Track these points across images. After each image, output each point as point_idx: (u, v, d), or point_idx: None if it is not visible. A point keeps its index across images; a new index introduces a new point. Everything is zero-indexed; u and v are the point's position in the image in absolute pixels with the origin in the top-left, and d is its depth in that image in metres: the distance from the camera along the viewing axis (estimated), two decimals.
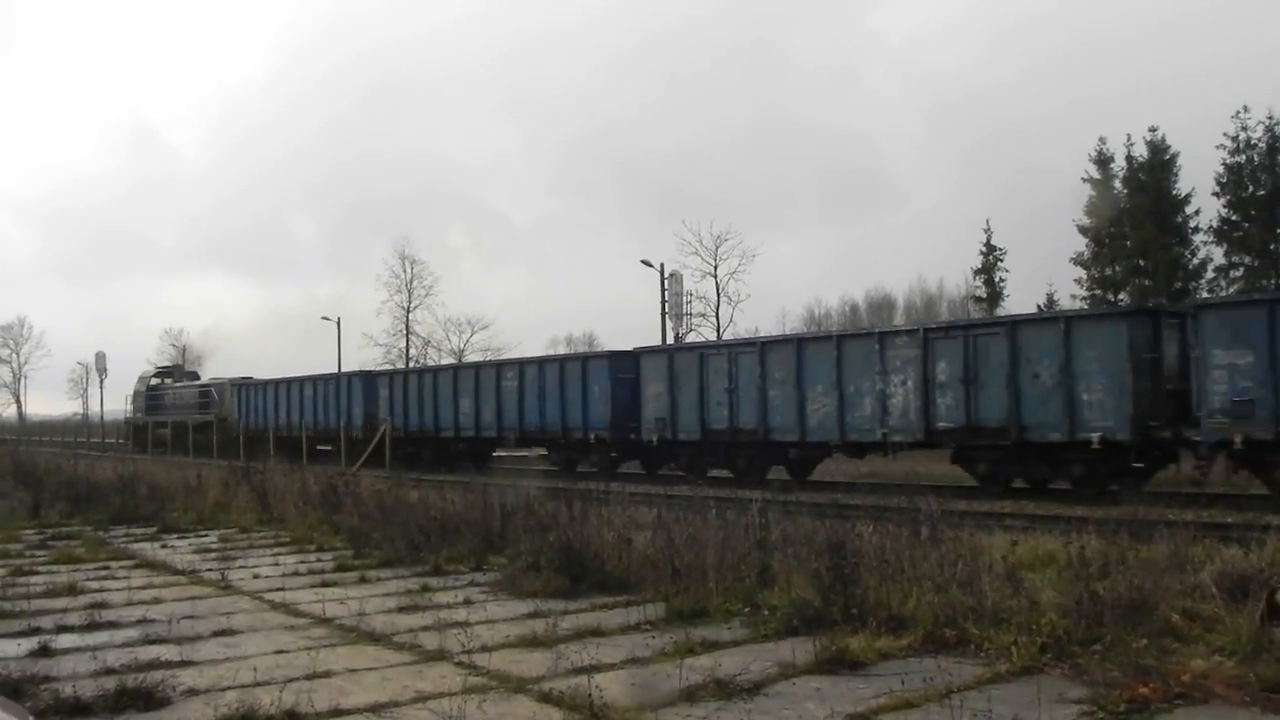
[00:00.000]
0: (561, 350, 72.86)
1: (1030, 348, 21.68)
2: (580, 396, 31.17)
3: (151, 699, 6.80)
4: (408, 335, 76.29)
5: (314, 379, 45.20)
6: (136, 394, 63.16)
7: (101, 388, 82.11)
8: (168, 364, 70.79)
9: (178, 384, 61.17)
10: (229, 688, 7.12)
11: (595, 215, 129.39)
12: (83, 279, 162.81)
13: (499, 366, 36.17)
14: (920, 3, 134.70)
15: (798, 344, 26.60)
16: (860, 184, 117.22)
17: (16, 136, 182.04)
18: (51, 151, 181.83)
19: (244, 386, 51.77)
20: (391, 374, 40.40)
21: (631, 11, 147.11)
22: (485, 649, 8.21)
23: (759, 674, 7.20)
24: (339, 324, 67.93)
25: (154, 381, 62.82)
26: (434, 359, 72.27)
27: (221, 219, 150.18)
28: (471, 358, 68.33)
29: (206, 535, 16.62)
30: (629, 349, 31.79)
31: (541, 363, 34.17)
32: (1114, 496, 18.04)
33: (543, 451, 35.19)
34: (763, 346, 27.18)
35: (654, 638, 8.54)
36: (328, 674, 7.51)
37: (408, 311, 76.03)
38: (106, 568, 13.23)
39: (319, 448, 41.40)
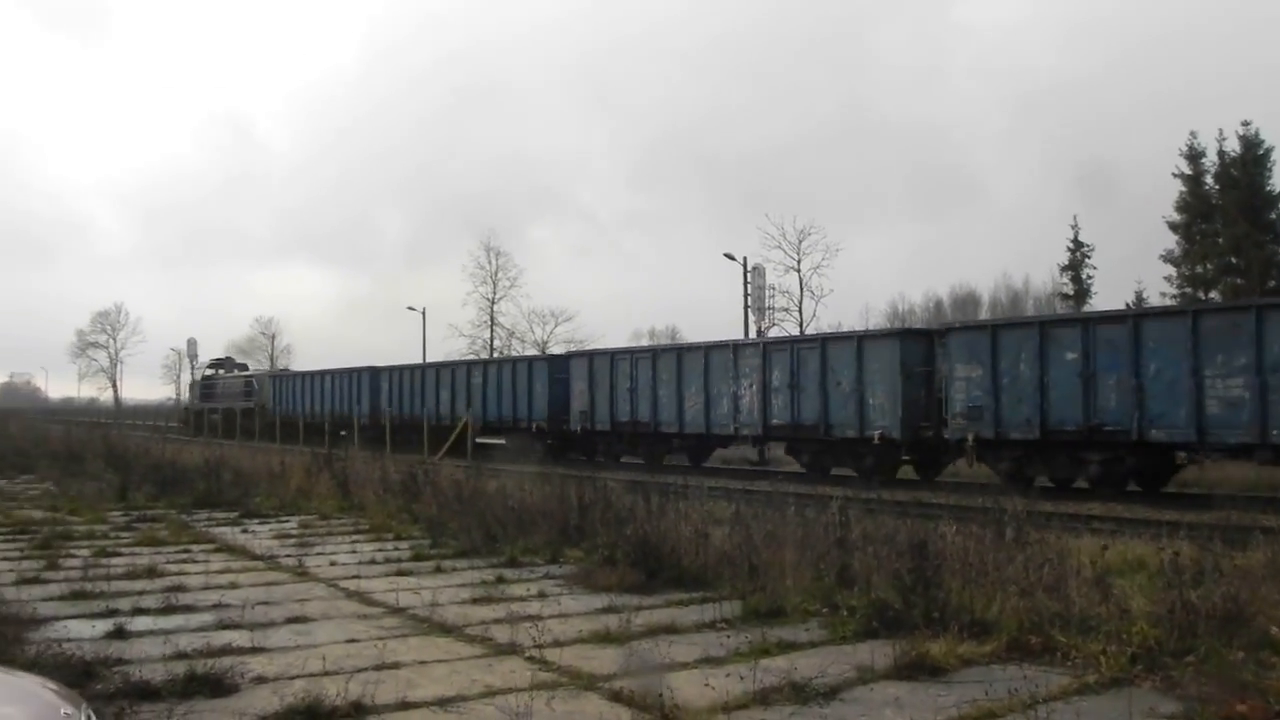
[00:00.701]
0: (645, 343, 72.86)
1: (835, 360, 26.10)
2: (527, 392, 36.49)
3: (220, 685, 6.77)
4: (492, 326, 76.90)
5: (333, 372, 50.62)
6: (193, 383, 69.94)
7: (192, 373, 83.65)
8: (220, 356, 74.10)
9: (227, 375, 65.86)
10: (297, 676, 7.07)
11: (679, 209, 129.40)
12: (178, 268, 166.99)
13: (469, 365, 42.19)
14: None
15: (678, 352, 31.81)
16: (945, 179, 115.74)
17: (118, 131, 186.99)
18: (151, 146, 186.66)
19: (279, 378, 58.77)
20: (390, 370, 46.10)
21: (714, 7, 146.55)
22: (557, 644, 8.08)
23: (836, 678, 6.96)
24: (424, 315, 68.62)
25: (208, 372, 67.78)
26: (517, 350, 72.71)
27: (311, 212, 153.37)
28: (554, 349, 68.68)
29: (287, 521, 16.74)
30: (563, 353, 38.72)
31: (500, 363, 40.57)
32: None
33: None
34: (655, 353, 32.95)
35: (729, 636, 8.35)
36: (396, 665, 7.43)
37: (492, 303, 76.63)
38: (187, 551, 13.36)
39: (340, 434, 44.55)
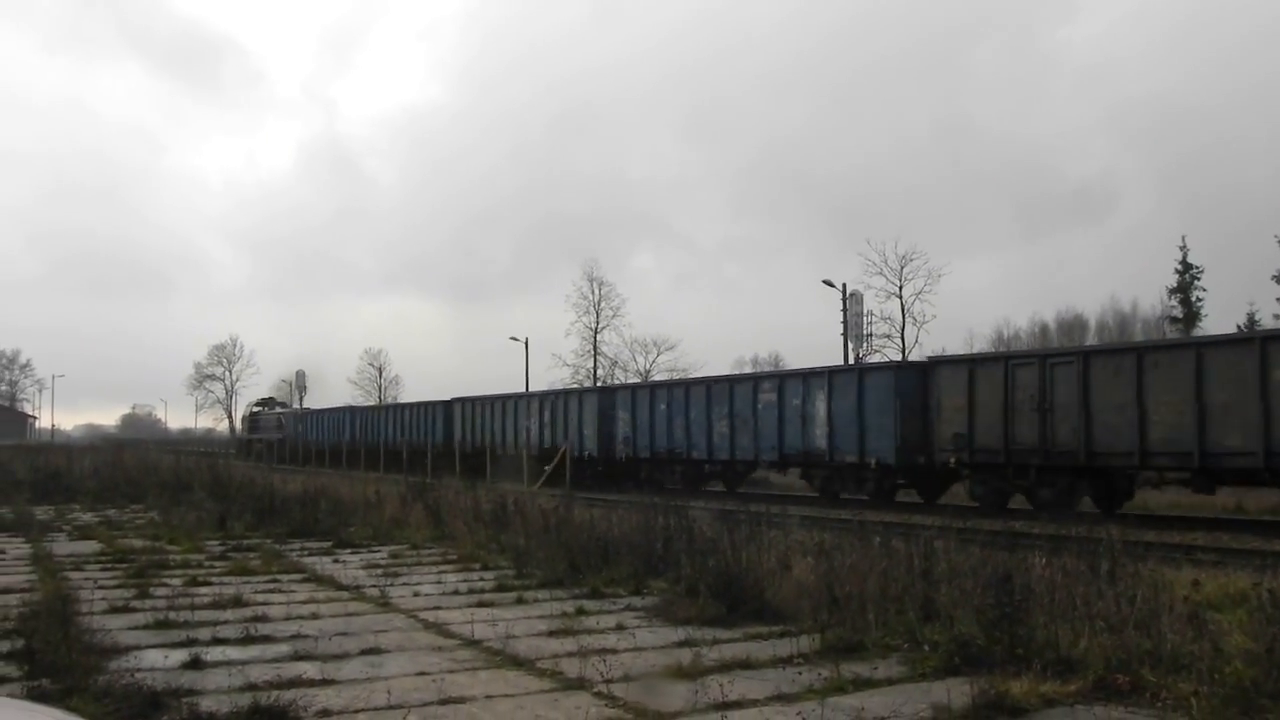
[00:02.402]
0: (747, 369, 72.62)
1: (839, 391, 28.90)
2: (579, 423, 39.62)
3: (284, 718, 6.73)
4: (595, 355, 77.25)
5: (334, 410, 68.97)
6: (244, 419, 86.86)
7: (302, 403, 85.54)
8: (267, 396, 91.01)
9: (269, 411, 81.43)
10: (361, 710, 7.02)
11: (778, 235, 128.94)
12: (289, 300, 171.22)
13: (530, 398, 45.49)
14: (1107, 15, 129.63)
15: (706, 385, 34.61)
16: (1049, 202, 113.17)
17: (228, 167, 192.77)
18: (260, 181, 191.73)
19: (300, 416, 75.75)
20: (379, 408, 58.47)
21: (804, 28, 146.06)
22: (627, 678, 7.91)
23: (909, 718, 6.69)
24: (526, 345, 69.22)
25: (256, 409, 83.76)
26: (620, 379, 72.90)
27: (416, 244, 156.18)
28: (657, 378, 68.76)
29: (378, 551, 16.84)
30: (610, 385, 43.95)
31: (557, 396, 43.81)
32: None
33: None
34: (686, 386, 36.22)
35: (803, 672, 8.09)
36: (462, 699, 7.33)
37: (595, 332, 77.03)
38: (276, 580, 13.48)
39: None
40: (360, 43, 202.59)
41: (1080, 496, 23.72)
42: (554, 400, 42.65)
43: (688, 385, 36.28)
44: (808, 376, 30.64)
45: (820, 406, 29.30)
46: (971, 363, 26.47)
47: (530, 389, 58.19)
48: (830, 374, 30.10)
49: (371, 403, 65.59)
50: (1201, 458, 20.88)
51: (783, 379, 32.04)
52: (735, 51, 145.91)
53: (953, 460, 25.95)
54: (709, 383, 34.79)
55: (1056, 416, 23.72)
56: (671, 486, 33.03)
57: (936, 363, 28.39)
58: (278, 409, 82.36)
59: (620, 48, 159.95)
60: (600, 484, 35.64)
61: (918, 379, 27.40)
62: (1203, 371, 20.99)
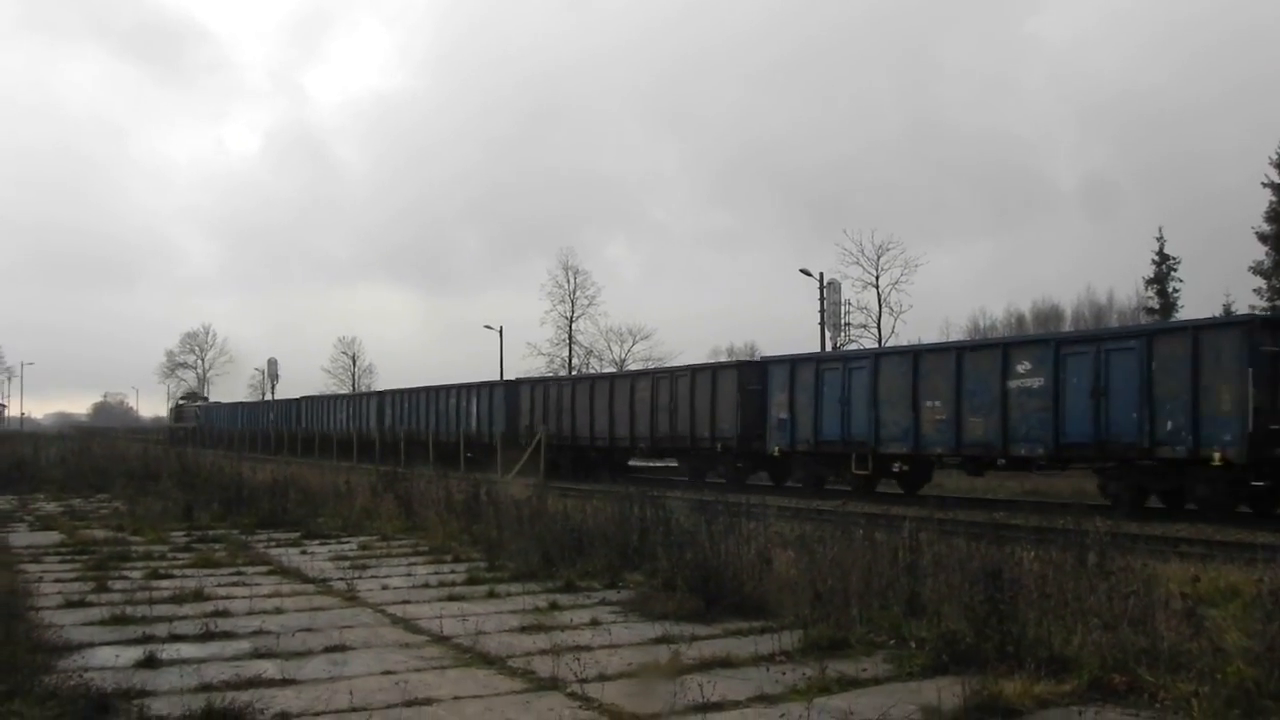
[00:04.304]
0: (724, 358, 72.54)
1: (700, 386, 32.63)
2: (488, 411, 43.21)
3: None
4: (570, 345, 76.91)
5: (239, 405, 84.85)
6: (170, 410, 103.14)
7: (273, 392, 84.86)
8: (190, 390, 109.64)
9: (189, 404, 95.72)
10: (322, 712, 6.67)
11: (753, 226, 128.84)
12: (262, 289, 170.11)
13: (450, 390, 47.30)
14: (1078, 7, 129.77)
15: (611, 379, 38.87)
16: (1023, 192, 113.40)
17: (198, 156, 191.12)
18: (230, 170, 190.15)
19: (208, 407, 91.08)
20: (261, 403, 71.69)
21: (780, 24, 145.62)
22: (602, 678, 7.57)
23: None
24: (501, 333, 68.79)
25: (181, 402, 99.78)
26: (595, 368, 72.58)
27: (390, 234, 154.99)
28: (632, 367, 68.50)
29: (348, 542, 16.46)
30: (514, 378, 46.92)
31: (464, 389, 45.96)
32: None
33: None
34: (591, 380, 39.86)
35: (786, 671, 7.76)
36: (428, 700, 6.98)
37: (570, 321, 76.66)
38: (241, 573, 13.06)
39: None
40: (329, 30, 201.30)
41: (879, 480, 27.75)
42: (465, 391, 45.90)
43: (592, 380, 39.97)
44: (674, 374, 35.45)
45: (684, 399, 33.28)
46: (792, 363, 30.36)
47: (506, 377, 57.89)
48: (694, 372, 34.31)
49: (311, 394, 72.40)
50: (958, 446, 24.54)
51: (674, 374, 35.79)
52: (710, 46, 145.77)
53: (777, 450, 29.73)
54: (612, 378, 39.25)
55: (854, 410, 27.28)
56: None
57: (769, 361, 32.24)
58: (197, 403, 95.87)
59: (594, 39, 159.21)
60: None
61: (760, 375, 31.23)
62: (962, 372, 24.40)
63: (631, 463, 39.18)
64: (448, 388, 47.48)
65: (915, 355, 26.63)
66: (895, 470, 27.76)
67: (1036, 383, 22.57)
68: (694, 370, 34.54)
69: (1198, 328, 20.69)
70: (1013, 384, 23.08)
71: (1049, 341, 24.03)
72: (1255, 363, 18.91)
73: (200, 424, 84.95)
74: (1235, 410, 18.95)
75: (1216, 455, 19.14)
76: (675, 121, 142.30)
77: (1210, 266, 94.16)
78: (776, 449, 29.70)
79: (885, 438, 26.35)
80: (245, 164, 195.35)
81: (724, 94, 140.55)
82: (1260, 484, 19.94)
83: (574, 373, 68.19)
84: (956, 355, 24.93)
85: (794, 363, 30.27)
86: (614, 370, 60.97)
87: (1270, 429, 18.78)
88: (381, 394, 57.05)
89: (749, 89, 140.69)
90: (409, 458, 41.05)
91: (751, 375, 31.59)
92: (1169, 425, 20.15)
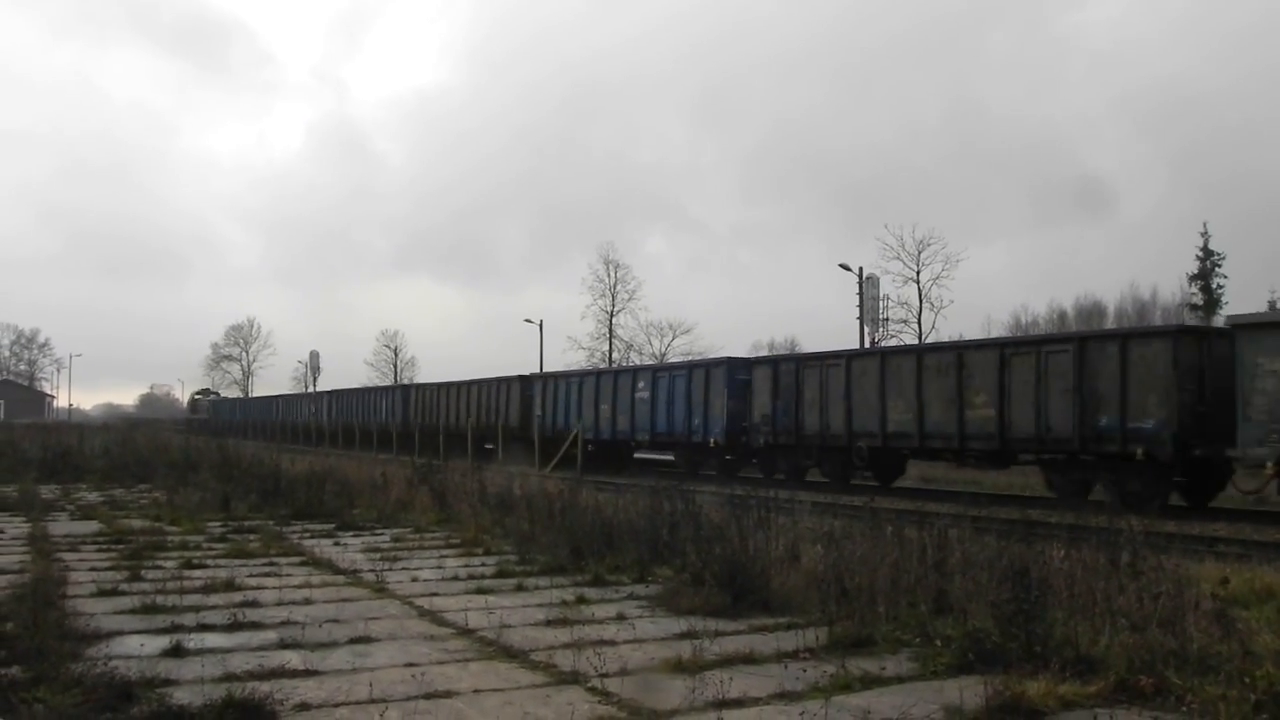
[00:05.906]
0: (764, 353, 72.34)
1: (695, 382, 34.15)
2: (504, 405, 44.67)
3: (259, 712, 6.39)
4: (610, 339, 77.01)
5: (245, 400, 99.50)
6: (188, 403, 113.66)
7: (315, 384, 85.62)
8: (206, 387, 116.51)
9: (204, 399, 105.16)
10: (342, 704, 6.69)
11: (792, 220, 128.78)
12: (305, 282, 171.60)
13: (466, 385, 48.99)
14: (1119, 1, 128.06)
15: (615, 374, 40.52)
16: (1067, 185, 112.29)
17: (242, 149, 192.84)
18: (276, 166, 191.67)
19: (218, 402, 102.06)
20: (264, 399, 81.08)
21: (814, 9, 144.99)
22: (624, 672, 7.56)
23: None
24: (541, 327, 68.91)
25: (196, 397, 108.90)
26: (635, 362, 72.57)
27: (430, 226, 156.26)
28: (673, 360, 68.49)
29: (381, 534, 16.54)
30: (528, 374, 45.79)
31: (481, 384, 47.56)
32: None
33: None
34: (598, 375, 41.38)
35: (808, 668, 7.72)
36: (449, 694, 6.99)
37: (611, 315, 76.77)
38: (273, 564, 13.16)
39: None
40: (370, 25, 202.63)
41: (856, 470, 29.50)
42: (480, 386, 47.30)
43: (599, 375, 41.31)
44: (672, 370, 37.38)
45: (681, 395, 34.90)
46: (774, 363, 32.56)
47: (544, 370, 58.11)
48: (691, 369, 35.76)
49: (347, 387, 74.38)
50: (921, 439, 26.64)
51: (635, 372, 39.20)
52: (746, 34, 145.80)
53: (763, 440, 31.55)
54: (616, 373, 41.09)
55: (830, 406, 29.27)
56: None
57: (754, 362, 34.17)
58: (210, 398, 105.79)
59: (630, 29, 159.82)
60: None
61: (746, 371, 33.01)
62: (922, 371, 26.50)
63: (637, 455, 39.86)
64: (465, 383, 48.94)
65: (882, 357, 29.30)
66: (863, 461, 29.21)
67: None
68: (690, 366, 36.41)
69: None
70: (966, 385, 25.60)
71: (995, 346, 26.22)
72: None
73: (209, 416, 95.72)
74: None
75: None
76: (709, 112, 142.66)
77: (1251, 257, 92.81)
78: (762, 441, 31.48)
79: (859, 431, 28.38)
80: (286, 158, 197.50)
81: (760, 85, 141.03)
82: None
83: (613, 366, 68.24)
84: (917, 357, 27.33)
85: (775, 363, 32.68)
86: (616, 367, 61.82)
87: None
88: (407, 388, 59.94)
89: (783, 78, 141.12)
90: (430, 449, 42.30)
91: (739, 372, 33.16)
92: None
